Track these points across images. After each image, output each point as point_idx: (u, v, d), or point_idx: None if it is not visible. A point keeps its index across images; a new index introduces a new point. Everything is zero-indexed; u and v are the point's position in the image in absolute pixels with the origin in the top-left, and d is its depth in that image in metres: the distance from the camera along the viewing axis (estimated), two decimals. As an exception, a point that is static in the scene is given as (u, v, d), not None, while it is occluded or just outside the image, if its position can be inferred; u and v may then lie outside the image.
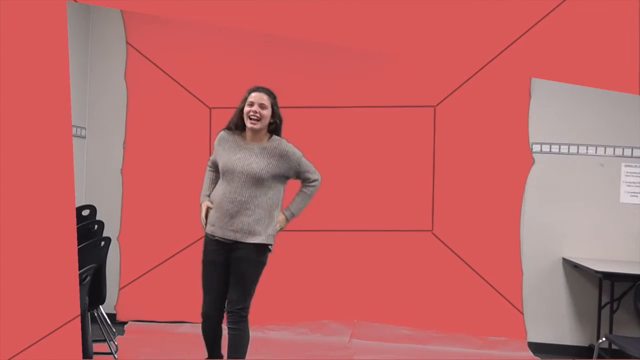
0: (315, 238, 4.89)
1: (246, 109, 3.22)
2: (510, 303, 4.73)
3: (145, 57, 5.08)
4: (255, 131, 3.23)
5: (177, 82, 5.05)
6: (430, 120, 4.83)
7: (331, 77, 4.93)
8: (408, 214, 4.84)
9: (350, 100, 4.90)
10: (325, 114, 4.92)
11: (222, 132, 3.34)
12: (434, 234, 4.81)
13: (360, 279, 4.85)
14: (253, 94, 3.24)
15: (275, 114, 3.29)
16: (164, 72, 5.06)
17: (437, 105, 4.83)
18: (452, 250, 4.79)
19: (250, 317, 5.05)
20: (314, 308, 4.84)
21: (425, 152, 4.86)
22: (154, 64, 5.07)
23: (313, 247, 4.90)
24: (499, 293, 4.74)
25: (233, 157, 3.22)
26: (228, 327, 3.21)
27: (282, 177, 3.30)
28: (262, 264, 3.30)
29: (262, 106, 3.21)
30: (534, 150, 4.75)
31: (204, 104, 5.03)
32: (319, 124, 4.92)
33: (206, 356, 3.36)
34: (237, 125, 3.28)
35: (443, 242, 4.80)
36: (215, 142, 3.36)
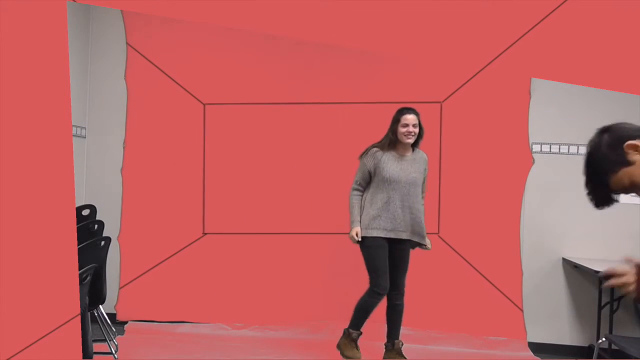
0: (317, 239, 4.89)
1: (402, 129, 3.94)
2: (512, 302, 4.72)
3: (145, 58, 5.08)
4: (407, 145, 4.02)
5: (174, 80, 5.05)
6: (437, 117, 4.82)
7: (336, 74, 4.90)
8: None
9: (356, 97, 4.88)
10: (330, 110, 4.91)
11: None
12: (440, 237, 4.79)
13: (362, 280, 4.83)
14: (407, 117, 3.96)
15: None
16: (163, 72, 5.06)
17: (443, 101, 4.83)
18: (456, 251, 4.78)
19: (250, 317, 5.06)
20: (314, 308, 4.84)
21: (431, 151, 4.82)
22: (154, 65, 5.07)
23: (315, 248, 4.90)
24: (502, 293, 4.73)
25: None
26: None
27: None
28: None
29: (415, 126, 3.96)
30: (534, 150, 4.75)
31: (199, 100, 5.03)
32: (323, 120, 4.91)
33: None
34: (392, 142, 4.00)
35: (449, 245, 4.78)
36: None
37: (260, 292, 4.94)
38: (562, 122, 4.76)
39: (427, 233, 4.08)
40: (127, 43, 5.11)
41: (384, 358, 4.09)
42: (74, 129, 4.94)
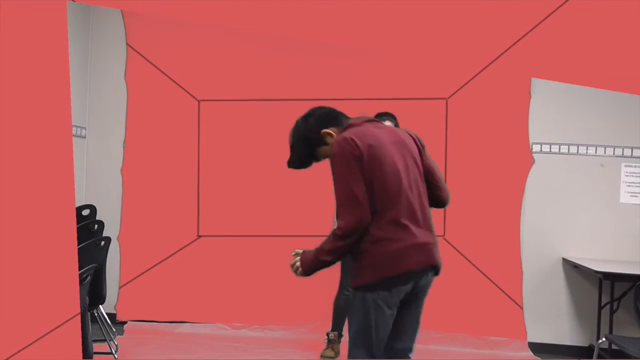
0: (316, 241, 4.87)
1: None
2: (514, 301, 4.71)
3: (145, 58, 5.07)
4: None
5: (170, 77, 5.04)
6: (443, 113, 4.80)
7: (340, 71, 4.87)
8: None
9: (362, 93, 4.86)
10: (335, 107, 4.88)
11: None
12: (445, 239, 4.77)
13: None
14: None
15: None
16: (163, 72, 5.06)
17: (449, 97, 4.82)
18: (460, 253, 4.77)
19: (250, 317, 5.05)
20: (314, 308, 4.84)
21: (436, 148, 4.81)
22: (154, 65, 5.07)
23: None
24: (504, 292, 4.73)
25: None
26: None
27: None
28: None
29: None
30: (534, 150, 4.75)
31: (193, 96, 5.03)
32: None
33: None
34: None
35: (453, 247, 4.77)
36: None
37: (259, 293, 4.93)
38: (562, 122, 4.76)
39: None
40: (127, 43, 5.11)
41: None
42: (74, 129, 4.94)
